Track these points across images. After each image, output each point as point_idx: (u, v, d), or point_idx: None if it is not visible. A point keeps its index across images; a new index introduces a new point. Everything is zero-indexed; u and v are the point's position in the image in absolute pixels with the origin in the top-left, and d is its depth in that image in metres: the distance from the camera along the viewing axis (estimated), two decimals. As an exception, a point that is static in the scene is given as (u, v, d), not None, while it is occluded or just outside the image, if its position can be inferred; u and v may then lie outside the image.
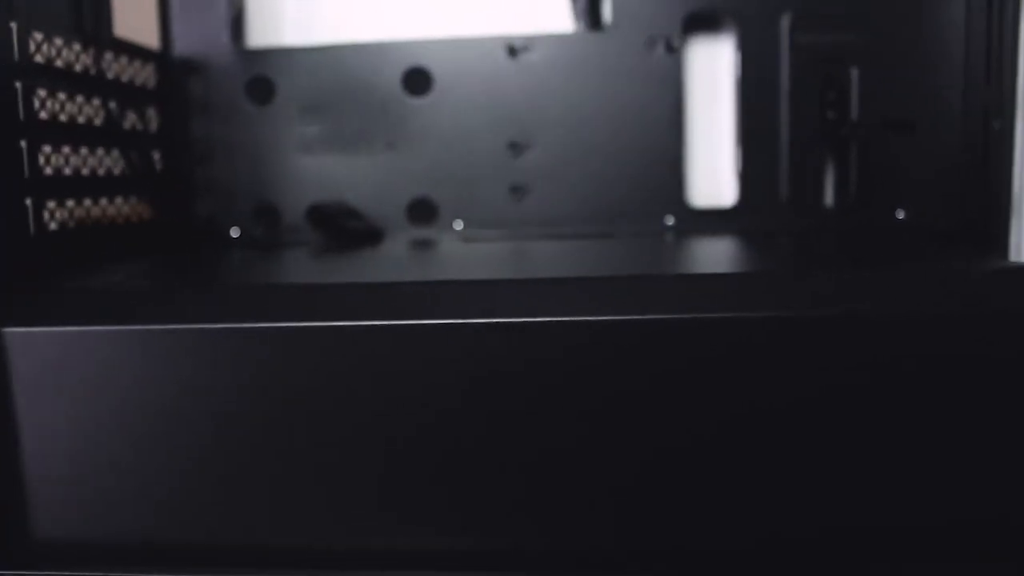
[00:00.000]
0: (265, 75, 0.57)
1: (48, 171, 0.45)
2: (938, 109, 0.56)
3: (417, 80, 0.57)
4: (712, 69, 0.59)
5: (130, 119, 0.52)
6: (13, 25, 0.42)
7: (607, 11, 0.56)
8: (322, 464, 0.34)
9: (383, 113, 0.57)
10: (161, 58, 0.56)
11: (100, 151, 0.49)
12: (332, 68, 0.57)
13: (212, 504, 0.35)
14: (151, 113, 0.55)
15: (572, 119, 0.57)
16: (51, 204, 0.45)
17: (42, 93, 0.44)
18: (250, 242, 0.57)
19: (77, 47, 0.48)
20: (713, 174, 0.60)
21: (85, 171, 0.48)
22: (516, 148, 0.57)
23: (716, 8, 0.56)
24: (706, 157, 0.59)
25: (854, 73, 0.56)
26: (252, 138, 0.57)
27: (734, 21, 0.56)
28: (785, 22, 0.56)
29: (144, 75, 0.54)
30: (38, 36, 0.44)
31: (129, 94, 0.52)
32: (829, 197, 0.58)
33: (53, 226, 0.45)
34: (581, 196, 0.57)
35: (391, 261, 0.48)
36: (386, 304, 0.34)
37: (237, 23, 0.58)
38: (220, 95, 0.57)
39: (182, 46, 0.57)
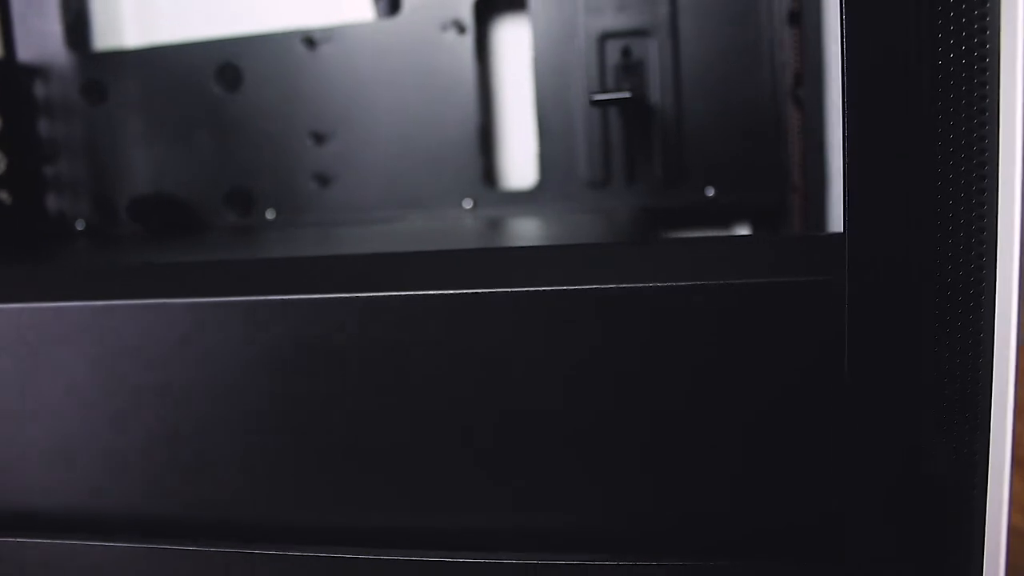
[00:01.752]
0: (97, 77, 0.61)
1: None
2: (746, 80, 0.53)
3: (229, 75, 0.59)
4: (519, 51, 0.58)
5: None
6: None
7: (403, -3, 0.57)
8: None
9: (201, 108, 0.60)
10: (2, 63, 0.61)
11: (-83, 153, 0.55)
12: (156, 68, 0.60)
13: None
14: (-8, 116, 0.60)
15: (372, 107, 0.57)
16: None
17: None
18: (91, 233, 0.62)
19: None
20: (520, 156, 0.59)
21: None
22: (319, 138, 0.58)
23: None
24: (514, 139, 0.59)
25: (653, 47, 0.54)
26: (89, 137, 0.62)
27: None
28: (579, -2, 0.54)
29: (-20, 80, 0.59)
30: None
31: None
32: (635, 176, 0.56)
33: None
34: (382, 182, 0.58)
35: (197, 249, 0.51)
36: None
37: (78, 29, 0.62)
38: (59, 97, 0.62)
39: (24, 53, 0.62)
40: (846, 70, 0.26)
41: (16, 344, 0.36)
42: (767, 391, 0.29)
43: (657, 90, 0.54)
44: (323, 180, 0.58)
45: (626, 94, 0.47)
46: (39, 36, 0.62)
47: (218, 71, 0.59)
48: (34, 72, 0.62)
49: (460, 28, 0.56)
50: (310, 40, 0.58)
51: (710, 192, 0.55)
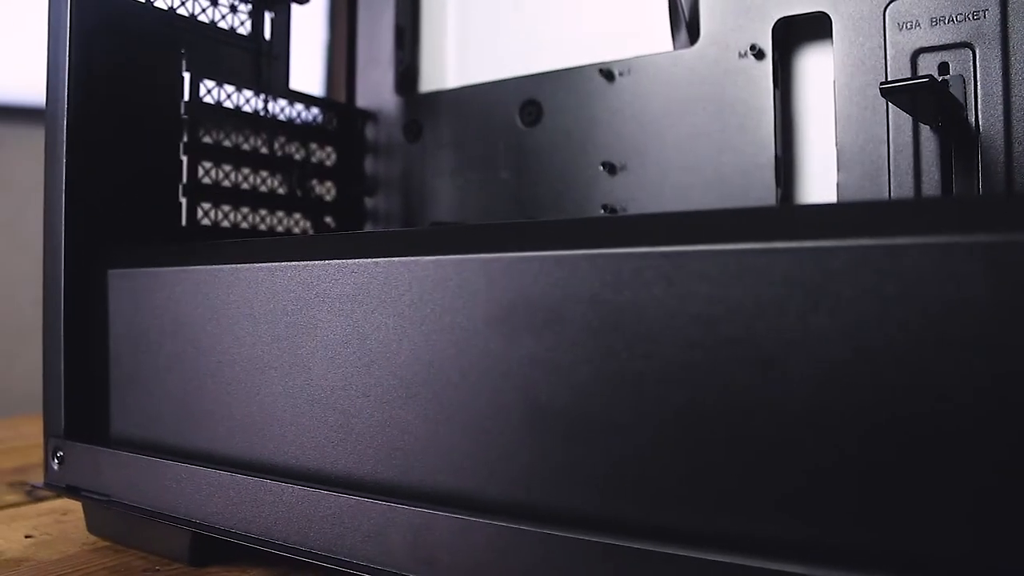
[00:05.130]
0: (416, 118, 0.67)
1: (206, 181, 0.59)
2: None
3: (531, 111, 0.62)
4: (820, 77, 0.55)
5: (296, 153, 0.65)
6: (187, 75, 0.57)
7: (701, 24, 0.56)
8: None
9: (502, 142, 0.63)
10: (344, 108, 0.69)
11: (264, 173, 0.63)
12: (465, 106, 0.65)
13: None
14: (328, 150, 0.68)
15: (665, 136, 0.57)
16: (206, 206, 0.59)
17: (206, 124, 0.59)
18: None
19: (249, 94, 0.62)
20: (818, 187, 0.55)
21: (245, 186, 0.62)
22: (611, 169, 0.58)
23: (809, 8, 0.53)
24: (812, 169, 0.55)
25: (976, 59, 0.48)
26: (404, 171, 0.67)
27: (828, 17, 0.52)
28: (890, 11, 0.50)
29: (323, 120, 0.67)
30: (209, 83, 0.59)
31: (301, 134, 0.66)
32: (952, 207, 0.49)
33: (206, 222, 0.59)
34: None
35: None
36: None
37: (407, 76, 0.69)
38: (385, 137, 0.68)
39: (362, 100, 0.69)
40: None
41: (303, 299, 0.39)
42: None
43: (981, 109, 0.48)
44: (611, 211, 0.58)
45: (924, 78, 0.41)
46: (374, 84, 0.69)
47: (521, 107, 0.63)
48: (367, 116, 0.69)
49: (759, 54, 0.54)
50: (608, 73, 0.59)
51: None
